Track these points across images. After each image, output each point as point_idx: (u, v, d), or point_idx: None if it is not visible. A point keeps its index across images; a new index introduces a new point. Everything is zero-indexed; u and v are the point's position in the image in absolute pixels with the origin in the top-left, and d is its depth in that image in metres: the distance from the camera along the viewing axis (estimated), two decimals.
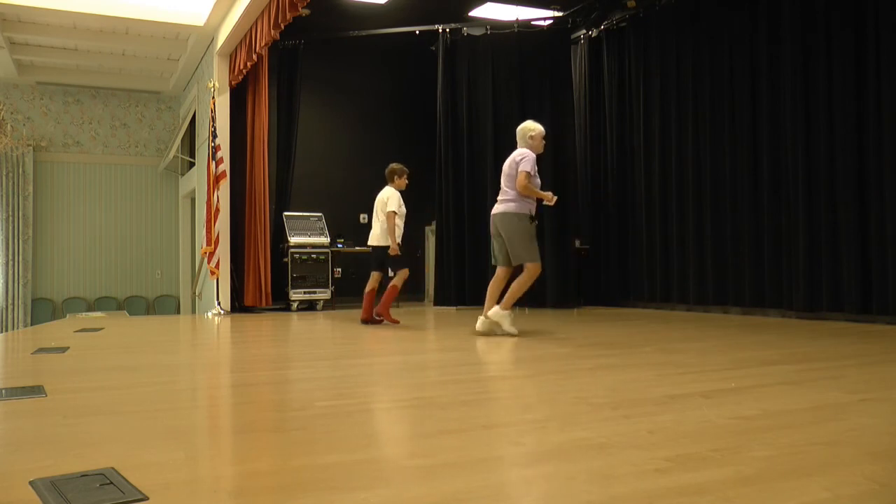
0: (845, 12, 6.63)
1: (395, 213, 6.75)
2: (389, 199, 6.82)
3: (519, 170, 5.59)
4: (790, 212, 7.08)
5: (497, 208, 5.76)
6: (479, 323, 5.68)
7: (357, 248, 10.38)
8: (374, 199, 6.74)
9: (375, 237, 6.95)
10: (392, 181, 6.99)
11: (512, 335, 5.52)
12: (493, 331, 5.61)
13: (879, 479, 1.82)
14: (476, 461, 2.03)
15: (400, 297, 10.30)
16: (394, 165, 7.07)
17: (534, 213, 5.71)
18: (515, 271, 5.78)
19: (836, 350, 4.70)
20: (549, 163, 9.21)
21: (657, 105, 8.75)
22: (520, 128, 5.91)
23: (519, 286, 5.61)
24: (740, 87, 7.71)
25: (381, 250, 6.90)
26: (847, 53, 6.61)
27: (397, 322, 6.94)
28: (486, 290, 9.37)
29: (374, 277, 7.08)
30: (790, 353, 4.52)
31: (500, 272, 5.77)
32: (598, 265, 9.66)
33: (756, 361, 4.09)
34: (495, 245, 5.83)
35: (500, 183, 9.63)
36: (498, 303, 5.67)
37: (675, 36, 8.49)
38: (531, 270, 5.61)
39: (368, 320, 6.97)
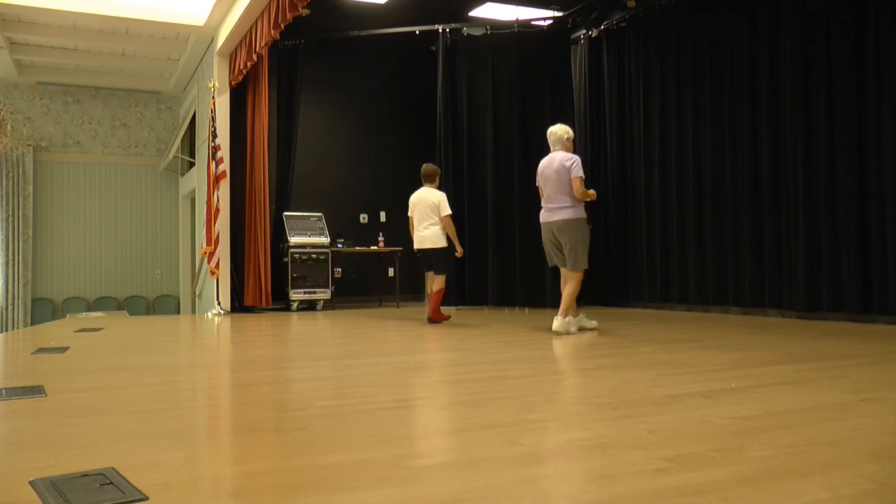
0: (845, 12, 6.63)
1: (451, 214, 6.90)
2: (441, 203, 6.89)
3: (573, 176, 5.60)
4: (790, 212, 7.08)
5: (554, 216, 5.72)
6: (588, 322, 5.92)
7: (357, 248, 10.40)
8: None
9: (430, 240, 6.95)
10: (434, 181, 7.08)
11: (595, 328, 5.89)
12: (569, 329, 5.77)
13: (879, 479, 1.82)
14: (476, 461, 2.03)
15: (400, 296, 10.37)
16: (434, 167, 7.18)
17: (587, 215, 5.81)
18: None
19: (836, 350, 4.70)
20: None
21: (657, 105, 8.75)
22: (555, 130, 5.88)
23: (571, 295, 5.74)
24: (740, 87, 7.70)
25: (438, 252, 6.97)
26: (847, 53, 6.61)
27: (449, 317, 7.25)
28: (486, 290, 9.44)
29: (431, 277, 7.15)
30: (790, 353, 4.52)
31: (562, 272, 5.93)
32: (598, 265, 9.65)
33: (756, 361, 4.09)
34: (549, 250, 5.90)
35: (499, 183, 9.62)
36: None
37: (675, 36, 8.49)
38: (579, 276, 5.75)
39: (436, 319, 7.13)
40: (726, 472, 1.88)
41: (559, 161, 5.68)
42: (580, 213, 5.70)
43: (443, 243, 6.93)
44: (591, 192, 5.71)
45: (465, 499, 1.70)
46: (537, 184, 5.95)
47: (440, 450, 2.22)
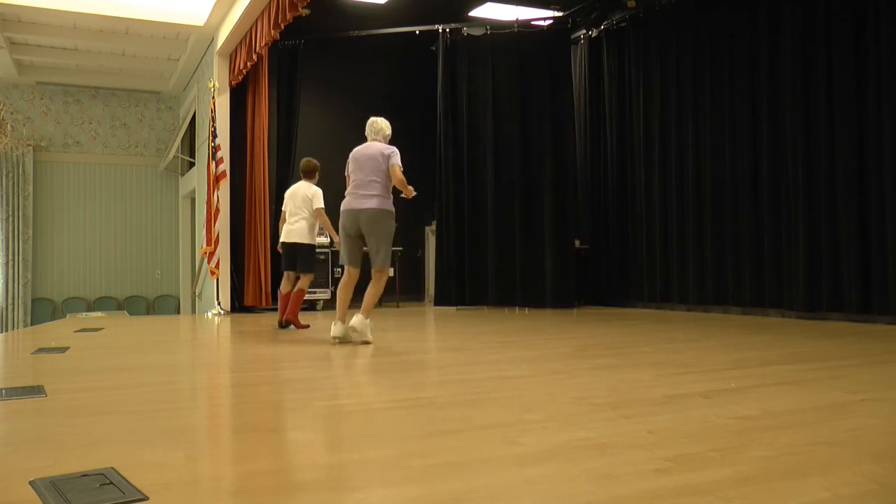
0: (845, 12, 6.63)
1: (322, 209, 6.58)
2: (316, 197, 6.61)
3: (393, 164, 5.22)
4: (790, 212, 7.08)
5: (363, 203, 5.25)
6: (338, 329, 5.29)
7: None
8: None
9: (297, 234, 6.60)
10: (314, 177, 6.78)
11: (369, 342, 5.26)
12: (349, 337, 5.29)
13: (879, 479, 1.82)
14: (476, 461, 2.03)
15: (400, 296, 10.35)
16: (314, 162, 6.87)
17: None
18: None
19: (836, 350, 4.70)
20: (549, 163, 9.24)
21: (657, 105, 8.75)
22: (378, 121, 5.61)
23: (375, 295, 5.33)
24: (740, 87, 7.71)
25: (304, 248, 6.63)
26: (847, 53, 6.61)
27: (308, 326, 6.75)
28: (485, 290, 9.25)
29: (290, 278, 6.74)
30: (790, 353, 4.52)
31: (354, 273, 5.42)
32: (598, 265, 9.67)
33: (756, 361, 4.09)
34: (351, 244, 5.40)
35: (499, 183, 9.60)
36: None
37: (675, 36, 8.50)
38: (385, 276, 5.34)
39: (289, 322, 6.69)
40: (726, 472, 1.87)
41: (378, 148, 5.34)
42: (390, 206, 5.30)
43: (309, 240, 6.61)
44: (410, 187, 5.34)
45: (465, 499, 1.70)
46: (346, 172, 5.49)
47: (440, 450, 2.21)
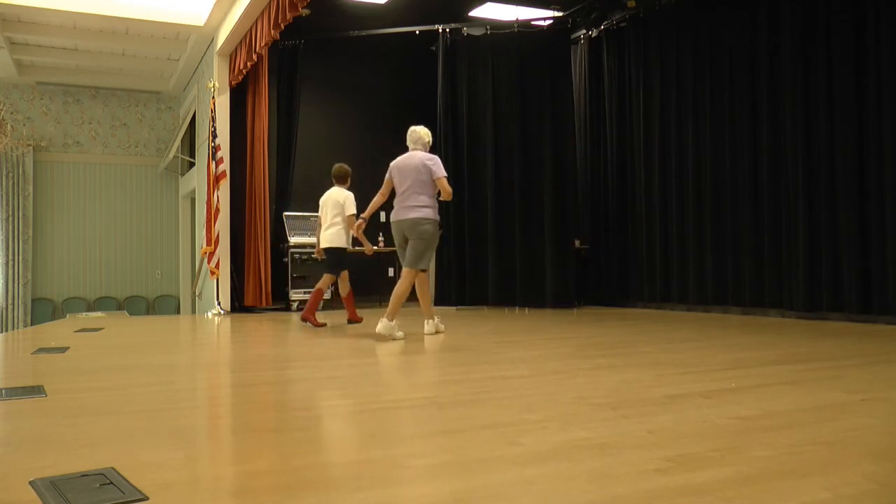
0: (845, 12, 6.63)
1: (355, 215, 6.66)
2: (347, 201, 6.74)
3: (439, 176, 5.43)
4: (790, 212, 7.08)
5: (408, 214, 5.46)
6: (429, 327, 5.74)
7: (357, 248, 10.38)
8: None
9: (327, 239, 6.82)
10: (346, 182, 6.94)
11: (396, 338, 5.46)
12: (439, 327, 5.79)
13: (879, 479, 1.82)
14: (476, 461, 2.03)
15: None
16: (346, 167, 7.03)
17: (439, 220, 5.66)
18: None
19: (836, 350, 4.70)
20: (549, 163, 9.24)
21: (657, 105, 8.75)
22: (417, 129, 5.68)
23: (399, 297, 5.50)
24: (740, 87, 7.71)
25: (332, 251, 6.81)
26: (847, 53, 6.61)
27: (325, 324, 6.89)
28: (485, 290, 9.26)
29: (345, 277, 6.96)
30: (790, 353, 4.52)
31: (422, 276, 5.63)
32: (598, 265, 9.67)
33: (756, 361, 4.09)
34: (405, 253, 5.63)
35: (499, 183, 9.59)
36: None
37: (675, 36, 8.50)
38: (411, 277, 5.50)
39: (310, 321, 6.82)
40: (726, 472, 1.88)
41: (419, 159, 5.49)
42: (434, 214, 5.50)
43: (338, 243, 6.77)
44: (450, 189, 5.56)
45: (465, 499, 1.70)
46: (388, 177, 5.68)
47: (440, 450, 2.21)
